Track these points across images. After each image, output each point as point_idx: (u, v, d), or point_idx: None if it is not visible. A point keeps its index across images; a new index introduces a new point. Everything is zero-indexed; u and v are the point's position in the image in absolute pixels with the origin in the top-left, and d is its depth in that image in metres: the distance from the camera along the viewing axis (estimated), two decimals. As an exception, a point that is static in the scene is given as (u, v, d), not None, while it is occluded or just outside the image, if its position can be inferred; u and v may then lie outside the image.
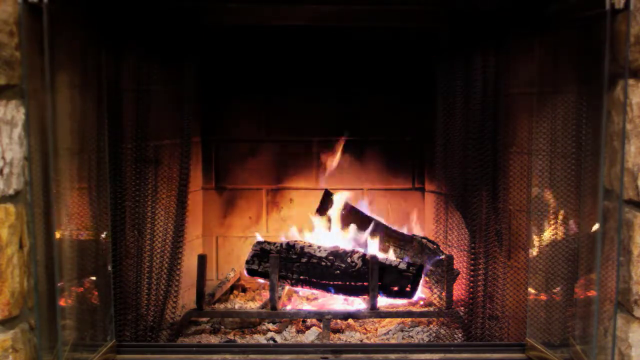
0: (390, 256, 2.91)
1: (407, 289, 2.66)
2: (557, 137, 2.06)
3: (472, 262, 2.39)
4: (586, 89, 1.91)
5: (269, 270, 2.66)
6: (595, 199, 1.81)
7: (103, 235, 2.11)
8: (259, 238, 3.03)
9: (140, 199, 2.33)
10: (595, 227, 1.79)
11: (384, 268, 2.67)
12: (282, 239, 2.99)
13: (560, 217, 2.07)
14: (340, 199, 3.06)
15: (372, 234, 2.97)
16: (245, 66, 3.03)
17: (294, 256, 2.78)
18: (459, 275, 2.62)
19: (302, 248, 2.80)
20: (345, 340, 2.59)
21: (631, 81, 1.67)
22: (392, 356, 2.11)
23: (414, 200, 3.18)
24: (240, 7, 2.36)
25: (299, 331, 2.65)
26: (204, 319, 2.73)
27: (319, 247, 2.80)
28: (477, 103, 2.37)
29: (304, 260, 2.77)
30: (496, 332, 2.37)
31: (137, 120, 2.32)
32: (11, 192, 1.59)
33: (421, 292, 2.78)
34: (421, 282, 2.72)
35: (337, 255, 2.76)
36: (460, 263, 2.57)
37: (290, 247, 2.81)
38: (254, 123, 3.13)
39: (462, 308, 2.51)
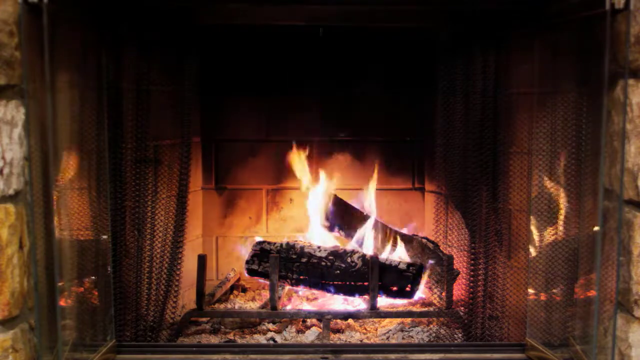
0: (391, 256, 2.91)
1: (407, 289, 2.66)
2: (557, 137, 2.06)
3: (472, 262, 2.39)
4: (586, 88, 1.91)
5: (269, 270, 2.66)
6: (595, 199, 1.81)
7: (104, 237, 2.11)
8: (258, 239, 3.02)
9: (140, 199, 2.33)
10: (596, 227, 1.79)
11: (384, 268, 2.67)
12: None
13: (560, 217, 2.07)
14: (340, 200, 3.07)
15: (372, 234, 2.97)
16: (246, 66, 3.03)
17: (294, 256, 2.78)
18: (459, 275, 2.62)
19: (302, 248, 2.80)
20: (345, 340, 2.59)
21: (631, 81, 1.67)
22: (392, 356, 2.11)
23: (414, 200, 3.18)
24: (240, 7, 2.36)
25: (299, 331, 2.65)
26: (204, 319, 2.73)
27: (318, 247, 2.80)
28: (477, 103, 2.37)
29: (304, 260, 2.77)
30: (496, 332, 2.38)
31: (137, 120, 2.32)
32: (11, 192, 1.59)
33: (421, 292, 2.78)
34: (422, 282, 2.72)
35: (337, 255, 2.76)
36: (460, 263, 2.57)
37: (290, 247, 2.81)
38: (254, 123, 3.13)
39: (462, 308, 2.51)
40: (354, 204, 3.08)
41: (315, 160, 3.15)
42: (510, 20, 2.25)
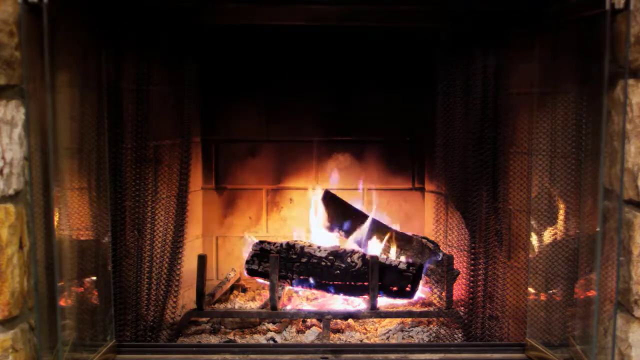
0: (391, 256, 2.91)
1: (407, 289, 2.66)
2: (557, 137, 2.06)
3: (472, 262, 2.39)
4: (586, 89, 1.91)
5: (269, 270, 2.66)
6: (595, 199, 1.81)
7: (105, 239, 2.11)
8: (252, 239, 3.01)
9: (140, 199, 2.33)
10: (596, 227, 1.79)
11: (384, 268, 2.67)
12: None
13: (560, 217, 2.07)
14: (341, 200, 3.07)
15: (372, 234, 2.97)
16: (246, 66, 3.03)
17: (294, 256, 2.78)
18: (459, 275, 2.62)
19: (302, 248, 2.80)
20: (345, 340, 2.59)
21: (631, 81, 1.67)
22: (392, 356, 2.11)
23: (414, 200, 3.18)
24: (240, 7, 2.36)
25: (299, 331, 2.65)
26: (204, 319, 2.73)
27: (318, 247, 2.80)
28: (477, 103, 2.37)
29: (304, 260, 2.77)
30: (496, 332, 2.38)
31: (137, 120, 2.32)
32: (11, 192, 1.59)
33: (421, 292, 2.78)
34: (421, 282, 2.72)
35: (337, 255, 2.76)
36: (460, 263, 2.57)
37: (290, 247, 2.81)
38: (254, 123, 3.13)
39: (462, 308, 2.51)
40: (354, 204, 3.08)
41: (316, 160, 3.15)
42: (510, 20, 2.25)
